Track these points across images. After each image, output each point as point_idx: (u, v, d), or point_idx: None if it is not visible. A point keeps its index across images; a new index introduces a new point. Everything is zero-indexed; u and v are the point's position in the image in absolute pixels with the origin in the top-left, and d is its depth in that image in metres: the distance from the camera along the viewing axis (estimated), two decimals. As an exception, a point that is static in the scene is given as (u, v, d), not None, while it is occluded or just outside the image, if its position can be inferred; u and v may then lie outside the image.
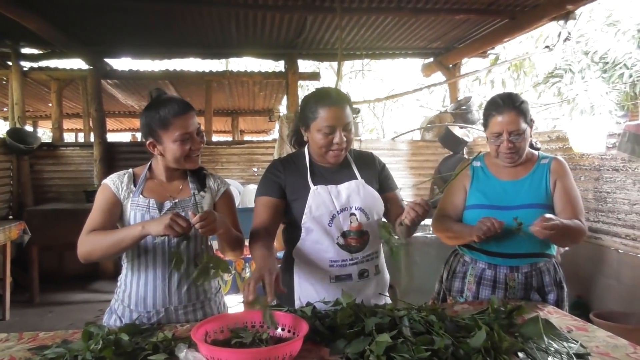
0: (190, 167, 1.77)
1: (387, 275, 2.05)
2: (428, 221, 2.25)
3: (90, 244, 1.65)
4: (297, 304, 1.85)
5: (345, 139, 1.80)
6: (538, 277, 1.99)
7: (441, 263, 2.25)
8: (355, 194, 1.87)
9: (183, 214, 1.72)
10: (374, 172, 1.99)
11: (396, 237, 1.76)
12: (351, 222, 1.85)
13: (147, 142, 1.74)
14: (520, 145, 1.95)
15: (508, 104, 1.93)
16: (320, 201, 1.83)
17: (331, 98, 1.81)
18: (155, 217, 1.68)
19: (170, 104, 1.69)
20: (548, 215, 1.74)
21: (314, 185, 1.86)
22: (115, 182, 1.75)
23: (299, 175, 1.90)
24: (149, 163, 1.84)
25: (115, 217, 1.74)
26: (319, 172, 1.91)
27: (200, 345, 1.28)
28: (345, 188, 1.87)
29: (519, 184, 2.01)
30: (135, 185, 1.76)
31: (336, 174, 1.92)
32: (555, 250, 2.06)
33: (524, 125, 1.93)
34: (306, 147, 1.96)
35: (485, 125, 2.02)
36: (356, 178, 1.91)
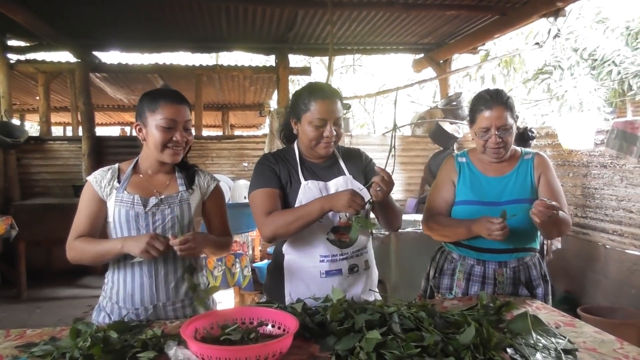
0: (169, 160, 1.72)
1: (376, 271, 2.06)
2: (417, 217, 2.26)
3: (76, 252, 1.70)
4: (287, 300, 1.86)
5: (335, 132, 1.82)
6: (525, 272, 2.02)
7: (429, 258, 2.26)
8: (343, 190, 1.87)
9: (169, 210, 1.72)
10: (361, 166, 2.01)
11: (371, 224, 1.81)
12: (340, 218, 1.86)
13: (135, 124, 1.73)
14: (508, 140, 1.96)
15: (496, 99, 1.94)
16: (311, 196, 1.83)
17: (324, 92, 1.84)
18: (141, 221, 1.68)
19: (166, 92, 1.72)
20: (546, 199, 1.76)
21: (305, 180, 1.87)
22: (97, 180, 1.72)
23: (290, 169, 1.91)
24: (136, 158, 1.81)
25: (101, 218, 1.72)
26: (308, 168, 1.92)
27: (190, 342, 1.27)
28: (333, 184, 1.89)
29: (504, 180, 2.03)
30: (119, 181, 1.73)
31: (325, 170, 1.94)
32: (539, 244, 2.09)
33: (511, 120, 1.95)
34: (295, 142, 1.97)
35: (473, 120, 2.02)
36: (344, 174, 1.93)
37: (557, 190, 2.01)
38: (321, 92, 1.83)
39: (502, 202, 1.97)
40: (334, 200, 1.70)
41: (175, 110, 1.67)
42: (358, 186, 1.90)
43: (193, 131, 1.81)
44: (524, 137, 4.00)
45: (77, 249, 1.69)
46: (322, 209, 1.72)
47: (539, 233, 2.05)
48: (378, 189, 1.68)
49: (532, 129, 4.07)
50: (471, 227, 1.89)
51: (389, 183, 1.69)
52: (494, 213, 1.88)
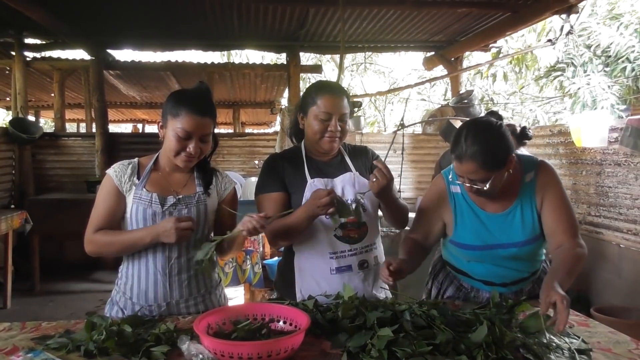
0: (181, 166, 1.71)
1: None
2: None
3: (99, 245, 1.68)
4: (298, 297, 1.87)
5: (339, 128, 1.85)
6: (540, 285, 1.95)
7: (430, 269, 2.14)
8: (349, 186, 1.91)
9: (186, 211, 1.71)
10: (367, 163, 2.01)
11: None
12: None
13: (158, 121, 1.73)
14: (488, 190, 1.66)
15: (467, 154, 1.62)
16: None
17: (331, 88, 1.91)
18: (158, 220, 1.66)
19: (193, 99, 1.66)
20: (553, 300, 1.41)
21: (311, 178, 1.89)
22: (118, 174, 1.71)
23: (296, 168, 1.92)
24: (156, 154, 1.79)
25: (119, 212, 1.71)
26: (315, 166, 1.94)
27: (203, 337, 1.28)
28: (340, 181, 1.91)
29: (509, 218, 1.78)
30: (139, 177, 1.72)
31: (331, 167, 1.96)
32: (544, 255, 1.94)
33: (490, 174, 1.63)
34: (302, 142, 2.00)
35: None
36: (350, 170, 1.95)
37: (564, 214, 1.74)
38: (328, 88, 1.89)
39: (509, 244, 1.78)
40: (310, 206, 1.72)
41: (195, 123, 1.62)
42: (363, 182, 1.92)
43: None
44: (522, 137, 3.89)
45: (98, 242, 1.67)
46: (309, 216, 1.76)
47: (543, 250, 1.92)
48: (374, 179, 1.71)
49: (529, 129, 3.97)
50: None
51: (384, 175, 1.69)
52: (500, 254, 1.79)
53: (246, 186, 5.44)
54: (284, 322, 1.48)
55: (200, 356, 1.25)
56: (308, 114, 1.88)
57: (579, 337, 1.42)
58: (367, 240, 1.92)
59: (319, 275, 1.87)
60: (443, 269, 2.07)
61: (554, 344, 1.37)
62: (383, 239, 2.08)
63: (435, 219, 1.90)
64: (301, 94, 6.97)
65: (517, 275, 1.88)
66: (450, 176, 1.87)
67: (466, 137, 1.64)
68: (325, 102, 1.83)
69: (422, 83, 8.17)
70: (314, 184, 1.88)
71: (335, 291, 1.73)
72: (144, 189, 1.70)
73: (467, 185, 1.69)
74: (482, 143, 1.61)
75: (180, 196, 1.73)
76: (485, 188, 1.65)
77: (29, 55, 6.61)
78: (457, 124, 5.80)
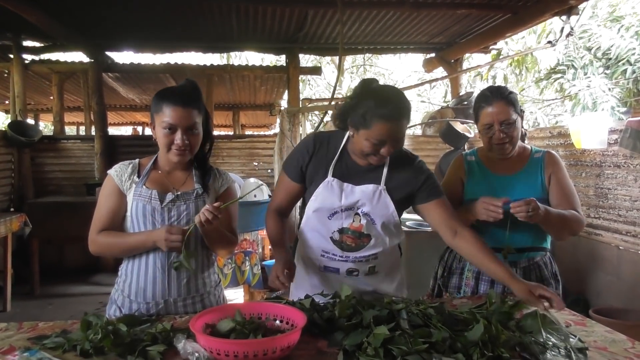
0: (174, 160, 1.73)
1: (395, 279, 2.02)
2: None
3: (101, 246, 1.73)
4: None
5: (392, 151, 1.70)
6: (536, 272, 2.00)
7: (439, 257, 2.25)
8: (367, 200, 1.80)
9: (184, 206, 1.74)
10: (411, 184, 1.84)
11: None
12: (353, 221, 1.83)
13: (150, 122, 1.77)
14: (513, 134, 1.95)
15: (496, 95, 1.95)
16: (328, 194, 1.81)
17: (391, 111, 1.65)
18: (157, 216, 1.70)
19: (174, 92, 1.71)
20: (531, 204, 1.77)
21: (332, 176, 1.82)
22: (118, 174, 1.76)
23: (324, 160, 1.84)
24: (156, 155, 1.83)
25: (121, 211, 1.74)
26: (344, 165, 1.84)
27: (199, 336, 1.28)
28: (361, 191, 1.80)
29: (514, 179, 2.02)
30: (139, 176, 1.76)
31: (360, 173, 1.83)
32: (549, 244, 2.07)
33: (514, 115, 1.94)
34: (347, 134, 1.84)
35: (477, 119, 2.03)
36: (378, 183, 1.81)
37: (568, 190, 2.00)
38: (387, 110, 1.64)
39: (515, 200, 1.94)
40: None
41: (177, 115, 1.65)
42: (386, 202, 1.81)
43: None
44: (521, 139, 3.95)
45: (101, 243, 1.72)
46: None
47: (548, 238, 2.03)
48: (547, 310, 1.61)
49: (525, 130, 4.00)
50: (470, 210, 1.93)
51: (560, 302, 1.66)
52: (505, 208, 1.88)
53: (245, 187, 5.44)
54: (281, 321, 1.48)
55: (197, 355, 1.24)
56: (360, 132, 1.69)
57: (575, 336, 1.41)
58: (365, 252, 1.86)
59: (310, 267, 1.93)
60: (448, 249, 2.19)
61: (551, 343, 1.36)
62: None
63: (457, 182, 2.12)
64: (301, 96, 6.92)
65: (513, 243, 1.95)
66: (466, 153, 2.19)
67: (489, 89, 2.01)
68: (381, 130, 1.63)
69: (422, 84, 8.17)
70: (330, 184, 1.81)
71: (322, 284, 1.81)
72: (143, 187, 1.74)
73: (497, 133, 1.93)
74: (504, 89, 1.99)
75: (179, 192, 1.76)
76: (511, 131, 1.93)
77: (28, 58, 6.59)
78: (457, 125, 5.81)
